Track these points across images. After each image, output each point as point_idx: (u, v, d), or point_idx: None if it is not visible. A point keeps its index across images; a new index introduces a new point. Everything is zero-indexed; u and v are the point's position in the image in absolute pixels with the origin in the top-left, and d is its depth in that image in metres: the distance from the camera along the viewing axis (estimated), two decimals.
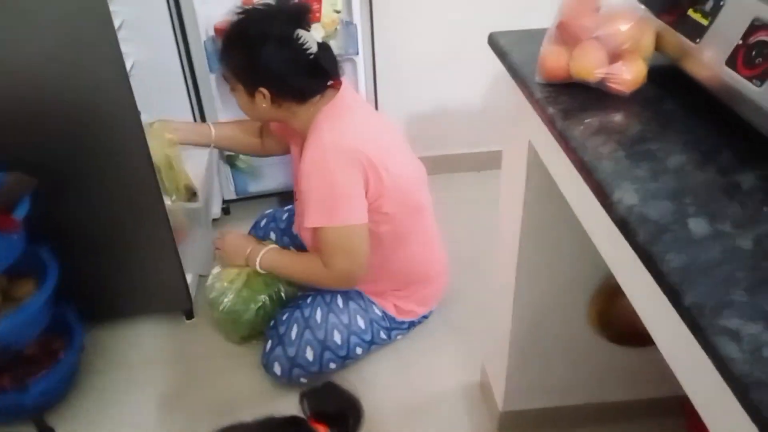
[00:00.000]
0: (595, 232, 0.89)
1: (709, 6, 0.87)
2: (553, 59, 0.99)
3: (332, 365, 1.70)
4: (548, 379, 1.51)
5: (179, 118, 1.95)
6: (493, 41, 1.19)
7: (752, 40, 0.78)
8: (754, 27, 0.78)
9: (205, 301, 1.88)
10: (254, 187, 2.43)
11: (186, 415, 1.72)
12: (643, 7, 0.96)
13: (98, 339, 1.90)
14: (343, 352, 1.70)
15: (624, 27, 0.94)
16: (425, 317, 1.88)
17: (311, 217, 1.54)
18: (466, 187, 2.59)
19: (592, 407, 1.57)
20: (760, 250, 0.65)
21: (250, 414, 1.67)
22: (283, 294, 1.80)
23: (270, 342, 1.69)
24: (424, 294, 1.83)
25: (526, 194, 1.21)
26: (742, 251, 0.65)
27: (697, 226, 0.68)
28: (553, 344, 1.44)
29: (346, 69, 2.13)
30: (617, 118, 0.93)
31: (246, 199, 2.44)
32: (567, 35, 0.98)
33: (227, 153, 2.30)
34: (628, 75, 0.94)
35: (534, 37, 1.06)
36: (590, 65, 0.96)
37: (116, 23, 1.51)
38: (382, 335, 1.77)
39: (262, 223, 2.04)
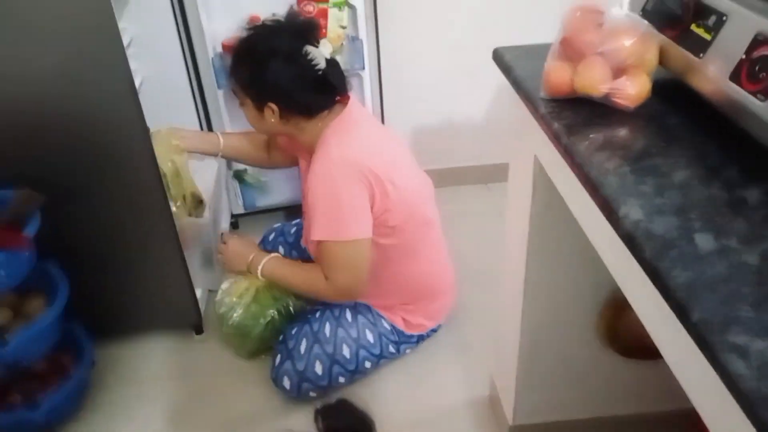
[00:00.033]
0: (602, 246, 0.89)
1: (712, 21, 0.87)
2: (558, 74, 1.00)
3: (341, 379, 1.70)
4: (557, 393, 1.51)
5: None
6: (498, 56, 1.20)
7: (756, 54, 0.79)
8: (758, 42, 0.79)
9: (215, 316, 1.88)
10: (262, 202, 2.44)
11: (196, 431, 1.72)
12: (646, 22, 0.96)
13: (108, 354, 1.91)
14: (352, 366, 1.70)
15: (628, 42, 0.94)
16: (434, 331, 1.88)
17: (317, 230, 1.54)
18: (473, 200, 2.59)
19: (602, 421, 1.56)
20: (766, 265, 0.65)
21: (260, 430, 1.68)
22: (291, 308, 1.81)
23: (279, 356, 1.69)
24: (433, 308, 1.83)
25: (532, 208, 1.21)
26: (748, 267, 0.65)
27: (703, 241, 0.68)
28: (561, 358, 1.44)
29: (352, 84, 2.15)
30: (622, 133, 0.94)
31: (254, 213, 2.45)
32: (571, 51, 0.99)
33: (235, 168, 2.32)
34: (633, 90, 0.95)
35: (538, 52, 1.07)
36: (594, 80, 0.96)
37: (125, 40, 1.53)
38: (391, 349, 1.77)
39: (271, 237, 2.05)
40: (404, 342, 1.80)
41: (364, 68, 2.18)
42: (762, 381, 0.54)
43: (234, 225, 2.46)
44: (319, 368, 1.66)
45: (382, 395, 1.77)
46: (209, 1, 2.04)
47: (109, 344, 1.93)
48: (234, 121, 2.19)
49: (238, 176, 2.35)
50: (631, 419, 1.55)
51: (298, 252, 1.95)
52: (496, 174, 2.56)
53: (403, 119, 2.49)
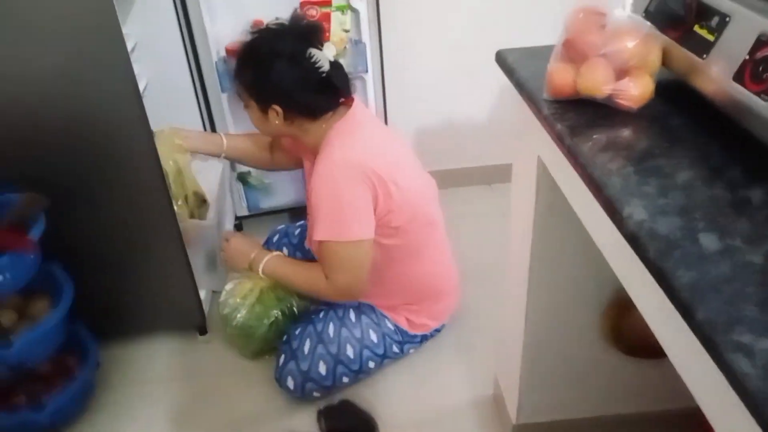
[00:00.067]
0: (606, 247, 0.90)
1: (715, 22, 0.88)
2: (561, 76, 1.00)
3: (345, 379, 1.71)
4: (561, 392, 1.51)
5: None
6: (501, 58, 1.20)
7: (759, 55, 0.79)
8: (761, 42, 0.79)
9: (218, 317, 1.89)
10: (266, 203, 2.45)
11: (199, 431, 1.73)
12: (649, 23, 0.97)
13: (112, 355, 1.92)
14: (355, 366, 1.70)
15: (630, 43, 0.95)
16: (437, 331, 1.88)
17: (319, 231, 1.55)
18: (477, 201, 2.59)
19: (605, 420, 1.56)
20: None
21: (264, 430, 1.68)
22: (295, 309, 1.81)
23: (283, 356, 1.70)
24: (437, 308, 1.84)
25: (536, 208, 1.22)
26: (752, 266, 0.65)
27: (707, 241, 0.69)
28: (565, 357, 1.44)
29: (356, 86, 2.16)
30: (625, 134, 0.94)
31: (258, 215, 2.46)
32: (574, 52, 1.00)
33: (239, 171, 2.33)
34: (636, 91, 0.95)
35: (541, 54, 1.08)
36: (597, 81, 0.97)
37: (130, 44, 1.53)
38: (395, 349, 1.78)
39: (275, 238, 2.05)
40: (408, 342, 1.81)
41: (367, 71, 2.19)
42: (767, 380, 0.54)
43: (238, 227, 2.47)
44: (323, 368, 1.66)
45: (386, 395, 1.77)
46: (213, 5, 2.04)
47: (114, 345, 1.94)
48: (237, 125, 2.19)
49: (242, 178, 2.35)
50: (634, 418, 1.55)
51: (302, 253, 1.96)
52: (499, 175, 2.56)
53: (407, 121, 2.50)
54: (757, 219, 0.72)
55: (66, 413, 1.70)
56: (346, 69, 1.66)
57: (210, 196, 1.94)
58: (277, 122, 1.58)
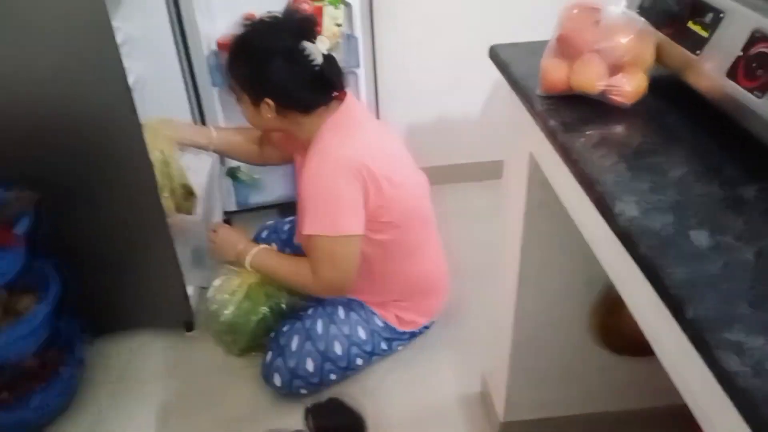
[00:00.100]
0: (597, 244, 0.89)
1: (708, 18, 0.87)
2: (554, 72, 1.00)
3: (333, 376, 1.70)
4: (549, 389, 1.51)
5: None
6: (494, 54, 1.19)
7: (753, 51, 0.79)
8: (755, 39, 0.79)
9: (206, 313, 1.87)
10: (255, 199, 2.43)
11: (186, 429, 1.71)
12: (642, 19, 0.96)
13: (98, 352, 1.89)
14: (343, 363, 1.69)
15: (624, 39, 0.94)
16: (426, 328, 1.88)
17: (308, 224, 1.54)
18: (468, 197, 2.59)
19: (594, 417, 1.56)
20: (763, 263, 0.65)
21: (250, 428, 1.68)
22: (284, 305, 1.80)
23: (270, 353, 1.68)
24: (426, 304, 1.83)
25: (527, 205, 1.21)
26: (745, 264, 0.65)
27: (700, 238, 0.68)
28: (554, 354, 1.44)
29: (348, 81, 2.14)
30: (618, 130, 0.94)
31: (247, 210, 2.44)
32: (567, 48, 0.99)
33: (228, 166, 2.31)
34: (629, 87, 0.95)
35: (534, 49, 1.07)
36: (591, 77, 0.96)
37: (119, 39, 1.51)
38: (383, 346, 1.77)
39: (264, 234, 2.04)
40: (397, 339, 1.80)
41: (359, 66, 2.18)
42: (757, 378, 0.53)
43: (227, 222, 2.44)
44: (310, 365, 1.65)
45: (374, 392, 1.76)
46: None
47: (100, 341, 1.92)
48: (229, 119, 2.18)
49: (232, 173, 2.34)
50: (622, 415, 1.56)
51: (292, 249, 1.94)
52: (490, 171, 2.54)
53: (399, 116, 2.49)
54: (751, 216, 0.71)
55: (50, 410, 1.68)
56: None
57: (198, 191, 1.92)
58: (269, 116, 1.56)
